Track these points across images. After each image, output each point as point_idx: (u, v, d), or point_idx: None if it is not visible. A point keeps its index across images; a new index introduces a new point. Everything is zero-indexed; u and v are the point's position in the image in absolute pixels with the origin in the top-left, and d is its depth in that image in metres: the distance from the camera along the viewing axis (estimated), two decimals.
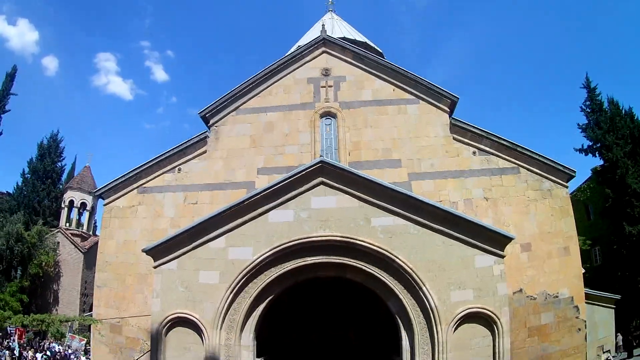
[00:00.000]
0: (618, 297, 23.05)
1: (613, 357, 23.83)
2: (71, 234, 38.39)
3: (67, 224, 39.52)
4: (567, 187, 20.76)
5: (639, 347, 27.84)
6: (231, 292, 14.79)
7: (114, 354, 20.51)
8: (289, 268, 14.90)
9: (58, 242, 37.85)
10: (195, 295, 15.05)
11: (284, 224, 14.79)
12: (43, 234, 36.75)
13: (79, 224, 40.19)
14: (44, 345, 29.16)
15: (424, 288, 14.40)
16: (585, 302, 20.46)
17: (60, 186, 43.55)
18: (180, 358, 15.26)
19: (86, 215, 40.51)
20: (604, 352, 23.17)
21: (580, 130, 32.66)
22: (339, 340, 20.70)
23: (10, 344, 26.76)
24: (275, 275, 14.92)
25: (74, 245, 37.76)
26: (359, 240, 14.53)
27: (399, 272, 14.58)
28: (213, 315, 14.82)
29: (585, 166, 46.98)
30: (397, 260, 14.45)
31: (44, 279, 36.97)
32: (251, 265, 14.69)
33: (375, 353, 20.66)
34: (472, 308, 14.44)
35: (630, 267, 29.60)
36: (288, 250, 14.73)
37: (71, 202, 39.54)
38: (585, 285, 20.82)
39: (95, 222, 42.63)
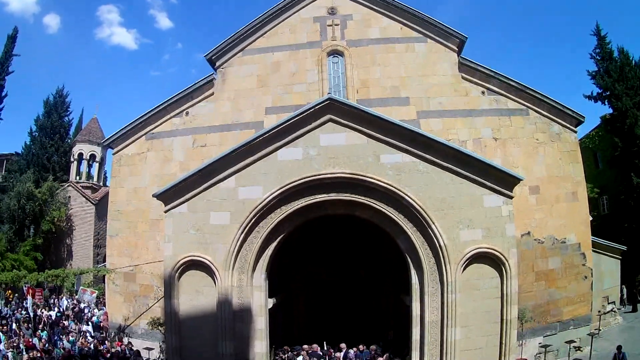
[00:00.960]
0: (624, 248, 23.06)
1: (617, 309, 24.02)
2: (82, 186, 38.02)
3: (77, 177, 39.09)
4: (576, 132, 20.63)
5: None
6: (242, 232, 14.93)
7: (129, 303, 20.95)
8: (299, 206, 14.99)
9: (69, 196, 37.52)
10: (207, 237, 15.21)
11: (293, 162, 14.79)
12: (54, 190, 36.46)
13: (89, 176, 39.71)
14: (54, 302, 29.26)
15: (433, 226, 14.48)
16: (592, 251, 20.57)
17: (69, 140, 42.99)
18: (194, 301, 15.58)
19: (96, 166, 39.97)
20: (609, 303, 23.31)
21: (590, 77, 32.02)
22: (349, 278, 20.98)
23: (25, 304, 27.03)
24: (286, 213, 15.03)
25: (85, 197, 37.45)
26: (368, 177, 14.53)
27: (408, 209, 14.64)
28: (225, 256, 15.02)
29: (594, 114, 46.39)
30: (406, 197, 14.48)
31: (57, 234, 36.92)
32: (262, 204, 14.77)
33: (384, 291, 21.04)
34: (481, 248, 14.54)
35: (637, 218, 29.52)
36: (298, 188, 14.78)
37: (80, 155, 39.00)
38: (592, 234, 20.89)
39: (105, 173, 42.17)
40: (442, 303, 14.57)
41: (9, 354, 16.51)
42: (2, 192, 37.21)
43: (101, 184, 40.48)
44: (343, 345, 17.59)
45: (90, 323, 23.78)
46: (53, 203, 35.96)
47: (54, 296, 31.37)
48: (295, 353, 17.42)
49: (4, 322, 23.21)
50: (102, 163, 40.51)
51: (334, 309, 21.20)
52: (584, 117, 20.45)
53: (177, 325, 15.61)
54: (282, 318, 19.79)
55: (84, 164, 39.55)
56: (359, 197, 14.84)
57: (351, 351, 17.35)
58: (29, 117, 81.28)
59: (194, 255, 15.24)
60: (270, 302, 16.35)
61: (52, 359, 16.77)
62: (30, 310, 24.58)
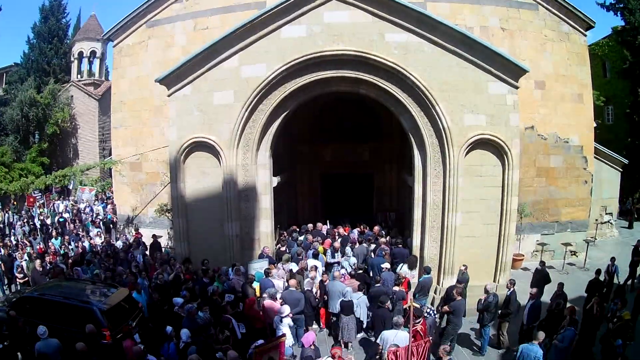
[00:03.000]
0: (626, 161, 23.18)
1: (614, 221, 24.39)
2: (83, 84, 37.93)
3: (79, 76, 38.82)
4: (585, 35, 20.25)
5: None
6: (246, 111, 14.90)
7: (136, 193, 21.40)
8: (303, 82, 14.83)
9: (71, 96, 37.47)
10: (211, 117, 15.19)
11: (297, 39, 14.44)
12: (56, 92, 36.41)
13: (90, 73, 39.41)
14: (53, 206, 29.46)
15: (437, 107, 14.39)
16: (594, 157, 20.72)
17: (68, 41, 42.35)
18: (200, 183, 15.82)
19: (97, 62, 39.55)
20: (606, 214, 23.73)
21: None
22: (353, 159, 21.26)
23: (32, 212, 27.42)
24: (290, 90, 14.91)
25: (87, 94, 37.47)
26: (373, 55, 14.23)
27: (413, 89, 14.50)
28: (229, 135, 15.08)
29: (605, 23, 44.94)
30: (411, 76, 14.27)
31: (62, 136, 37.24)
32: (265, 82, 14.61)
33: (388, 173, 21.60)
34: (484, 134, 14.52)
35: None
36: (301, 65, 14.54)
37: (80, 54, 38.55)
38: (595, 141, 21.02)
39: (107, 68, 41.43)
40: (444, 186, 14.78)
41: (23, 264, 16.99)
42: (4, 104, 36.96)
43: (103, 78, 40.10)
44: (344, 228, 18.06)
45: (102, 224, 24.37)
46: (56, 105, 35.92)
47: (61, 197, 31.76)
48: (299, 232, 17.92)
49: (12, 231, 23.84)
50: (103, 58, 40.01)
51: (338, 190, 21.66)
52: (594, 22, 20.02)
53: (184, 209, 15.96)
54: (286, 201, 20.24)
55: (85, 62, 39.11)
56: (364, 74, 14.60)
57: (355, 231, 17.84)
58: (26, 30, 78.78)
59: (199, 136, 15.29)
60: (275, 181, 16.64)
61: (66, 262, 17.31)
62: (37, 219, 24.95)
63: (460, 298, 12.35)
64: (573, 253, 20.42)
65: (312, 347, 10.21)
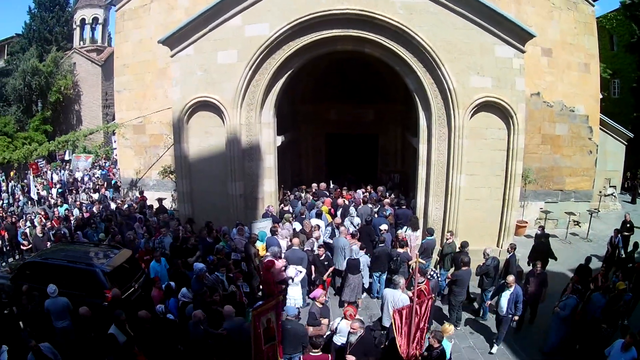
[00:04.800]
0: (631, 135, 22.96)
1: (617, 195, 24.29)
2: (86, 50, 37.95)
3: (82, 43, 38.80)
4: (593, 6, 19.81)
5: None
6: (250, 69, 14.80)
7: (139, 156, 21.38)
8: (307, 41, 14.63)
9: (74, 63, 37.50)
10: (214, 76, 15.12)
11: None
12: (58, 60, 36.37)
13: (93, 40, 39.38)
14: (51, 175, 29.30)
15: (442, 68, 14.23)
16: (600, 129, 20.53)
17: (70, 9, 42.08)
18: (203, 144, 15.84)
19: (99, 29, 39.39)
20: (610, 186, 23.61)
21: None
22: (357, 116, 21.29)
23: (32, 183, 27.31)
24: (294, 49, 14.72)
25: (90, 60, 37.48)
26: (378, 14, 13.99)
27: (419, 50, 14.31)
28: (233, 94, 15.01)
29: None
30: (416, 37, 14.06)
31: (65, 103, 37.28)
32: (269, 41, 14.45)
33: (392, 134, 21.63)
34: (490, 97, 14.36)
35: None
36: (306, 24, 14.32)
37: (82, 21, 38.44)
38: (601, 113, 20.78)
39: (109, 34, 41.38)
40: (449, 147, 14.70)
41: (27, 230, 17.04)
42: (6, 75, 36.88)
43: (106, 44, 40.03)
44: (345, 195, 18.04)
45: (110, 188, 24.49)
46: (59, 73, 35.84)
47: (64, 164, 31.68)
48: (305, 191, 17.94)
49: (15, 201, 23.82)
50: (105, 25, 39.88)
51: (342, 151, 21.67)
52: None
53: (188, 169, 16.04)
54: (290, 161, 20.35)
55: (87, 28, 39.08)
56: (369, 33, 14.41)
57: (359, 192, 17.83)
58: (27, 1, 77.84)
59: (202, 96, 15.24)
60: (279, 140, 16.66)
61: (68, 227, 17.34)
62: (33, 191, 24.93)
63: (466, 268, 12.00)
64: (576, 223, 20.40)
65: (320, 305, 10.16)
